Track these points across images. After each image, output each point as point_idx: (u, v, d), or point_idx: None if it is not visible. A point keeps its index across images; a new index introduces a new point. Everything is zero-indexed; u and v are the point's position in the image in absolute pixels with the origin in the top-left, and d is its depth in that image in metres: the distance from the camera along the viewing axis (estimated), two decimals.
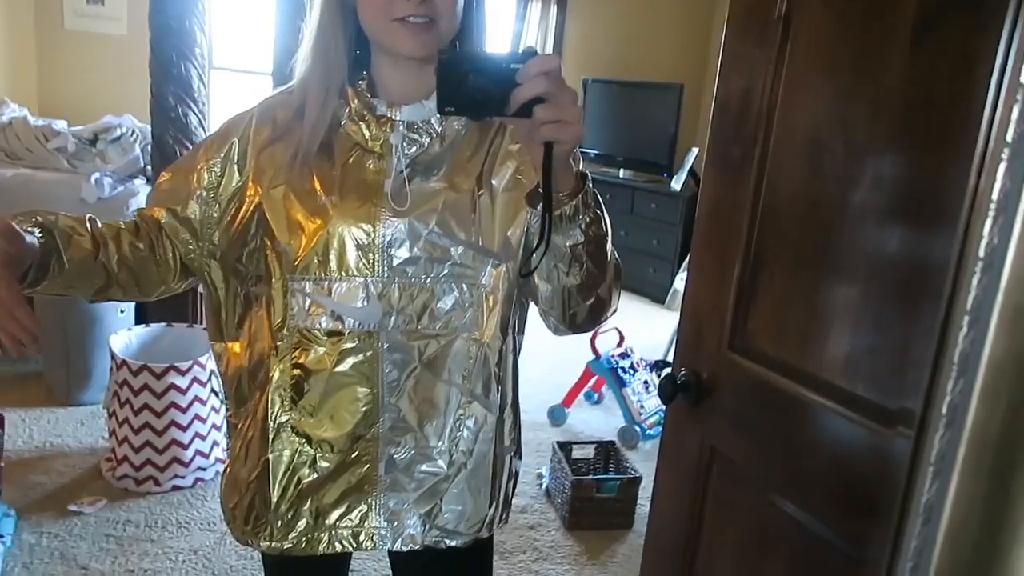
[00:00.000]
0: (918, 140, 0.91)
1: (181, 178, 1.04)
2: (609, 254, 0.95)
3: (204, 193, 1.03)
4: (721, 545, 1.23)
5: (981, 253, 0.44)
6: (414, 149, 0.99)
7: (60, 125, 3.85)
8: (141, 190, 3.38)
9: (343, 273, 0.97)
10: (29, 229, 0.89)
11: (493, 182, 0.99)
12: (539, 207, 0.84)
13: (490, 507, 1.07)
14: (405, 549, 1.05)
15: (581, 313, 0.99)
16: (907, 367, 0.90)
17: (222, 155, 1.02)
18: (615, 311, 1.04)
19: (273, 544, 1.04)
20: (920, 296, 0.88)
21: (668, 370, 1.30)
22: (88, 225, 0.97)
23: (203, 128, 3.28)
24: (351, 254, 0.96)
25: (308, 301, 0.98)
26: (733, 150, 1.18)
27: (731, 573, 1.20)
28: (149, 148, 3.44)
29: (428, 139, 0.99)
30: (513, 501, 1.14)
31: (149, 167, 3.44)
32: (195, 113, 3.21)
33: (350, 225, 0.96)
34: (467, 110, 0.83)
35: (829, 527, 1.02)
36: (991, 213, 0.43)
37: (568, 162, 0.84)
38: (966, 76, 0.83)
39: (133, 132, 3.77)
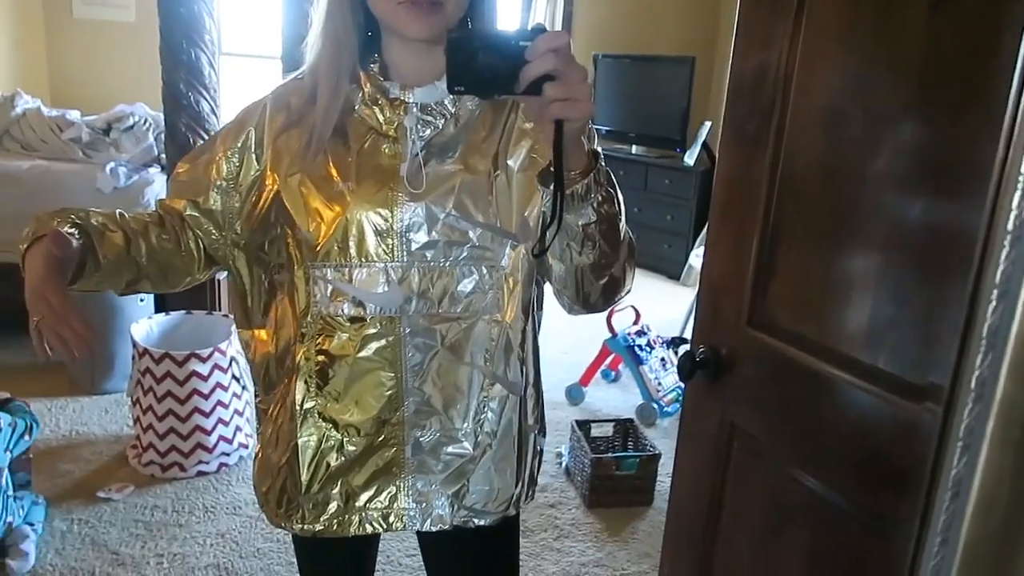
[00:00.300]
0: (940, 107, 0.89)
1: (200, 169, 1.05)
2: (622, 233, 0.95)
3: (224, 184, 1.03)
4: (742, 520, 1.23)
5: (1010, 226, 0.43)
6: (428, 131, 0.98)
7: (73, 115, 3.86)
8: (156, 179, 3.39)
9: (363, 259, 0.97)
10: (69, 231, 0.91)
11: (509, 162, 0.98)
12: (551, 186, 0.84)
13: (516, 485, 1.08)
14: (434, 530, 1.06)
15: (595, 293, 0.99)
16: (931, 340, 0.89)
17: (239, 144, 1.03)
18: (629, 290, 1.03)
19: (305, 527, 1.05)
20: (944, 267, 0.87)
21: (686, 347, 1.30)
22: (119, 220, 0.99)
23: (215, 115, 3.29)
24: (370, 240, 0.96)
25: (330, 288, 0.98)
26: (749, 123, 1.16)
27: (752, 548, 1.21)
28: (162, 136, 3.45)
29: (442, 120, 0.99)
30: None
31: (163, 155, 3.45)
32: (207, 100, 3.21)
33: (368, 211, 0.96)
34: (476, 89, 0.82)
35: (852, 501, 1.02)
36: (1019, 186, 0.42)
37: (579, 140, 0.84)
38: (989, 42, 0.81)
39: (146, 120, 3.78)
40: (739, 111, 1.19)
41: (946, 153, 0.88)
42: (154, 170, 3.47)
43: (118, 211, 1.01)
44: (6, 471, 2.11)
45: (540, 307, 1.13)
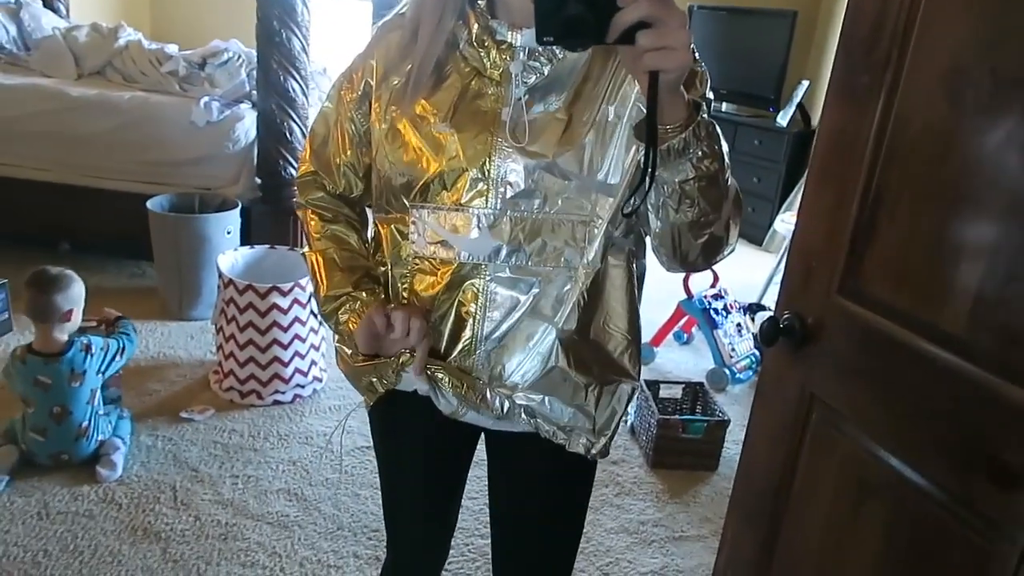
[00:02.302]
0: None
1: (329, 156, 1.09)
2: (726, 191, 0.90)
3: (358, 140, 1.06)
4: (815, 494, 1.19)
5: None
6: (534, 78, 0.95)
7: (171, 49, 3.97)
8: (247, 115, 3.46)
9: (457, 203, 0.96)
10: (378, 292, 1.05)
11: (613, 111, 0.94)
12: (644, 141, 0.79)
13: (591, 430, 1.04)
14: (504, 429, 1.05)
15: (694, 251, 0.95)
16: None
17: (359, 95, 1.03)
18: (733, 250, 0.99)
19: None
20: None
21: (765, 314, 1.25)
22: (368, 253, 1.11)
23: (306, 53, 3.32)
24: (465, 185, 0.95)
25: (427, 229, 0.98)
26: (861, 77, 1.09)
27: (824, 521, 1.17)
28: (254, 73, 3.51)
29: (548, 67, 0.94)
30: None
31: (254, 91, 3.51)
32: (298, 38, 3.24)
33: (465, 155, 0.94)
34: (566, 38, 0.77)
35: (939, 486, 0.97)
36: None
37: (677, 91, 0.79)
38: None
39: (239, 57, 3.85)
40: (850, 63, 1.11)
41: None
42: (245, 106, 3.54)
43: (365, 250, 1.11)
44: (99, 391, 2.24)
45: (642, 256, 1.08)
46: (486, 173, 0.94)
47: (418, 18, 0.97)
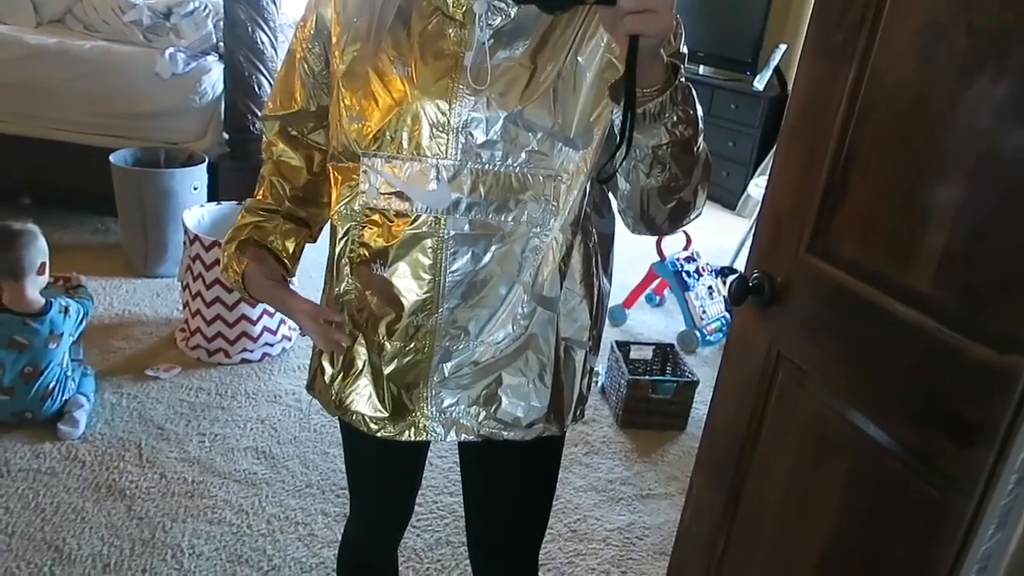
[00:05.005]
0: None
1: (289, 91, 1.07)
2: (698, 157, 0.88)
3: (314, 81, 1.03)
4: (780, 450, 1.21)
5: None
6: (499, 20, 0.90)
7: None
8: (214, 67, 3.37)
9: (415, 152, 0.92)
10: (263, 253, 1.07)
11: (580, 60, 0.90)
12: (621, 103, 0.77)
13: (555, 402, 1.03)
14: (460, 439, 1.04)
15: (660, 215, 0.94)
16: (1011, 284, 0.83)
17: (314, 33, 1.00)
18: (699, 214, 0.98)
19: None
20: None
21: (738, 274, 1.25)
22: (278, 215, 1.10)
23: (275, 4, 3.22)
24: (424, 133, 0.91)
25: (379, 179, 0.94)
26: (836, 35, 1.07)
27: (787, 478, 1.19)
28: (221, 24, 3.41)
29: (515, 8, 0.90)
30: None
31: (221, 43, 3.41)
32: None
33: (425, 102, 0.90)
34: (546, 1, 0.75)
35: (900, 442, 0.98)
36: None
37: (657, 55, 0.77)
38: None
39: (206, 7, 3.74)
40: (826, 21, 1.10)
41: None
42: (212, 58, 3.44)
43: (258, 201, 1.12)
44: (67, 352, 2.20)
45: (607, 213, 1.06)
46: (446, 121, 0.90)
47: None
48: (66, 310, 2.13)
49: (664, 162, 0.85)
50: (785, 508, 1.20)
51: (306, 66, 1.02)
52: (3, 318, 2.08)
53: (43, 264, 2.12)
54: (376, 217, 0.95)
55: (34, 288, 2.12)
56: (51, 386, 2.14)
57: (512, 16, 0.90)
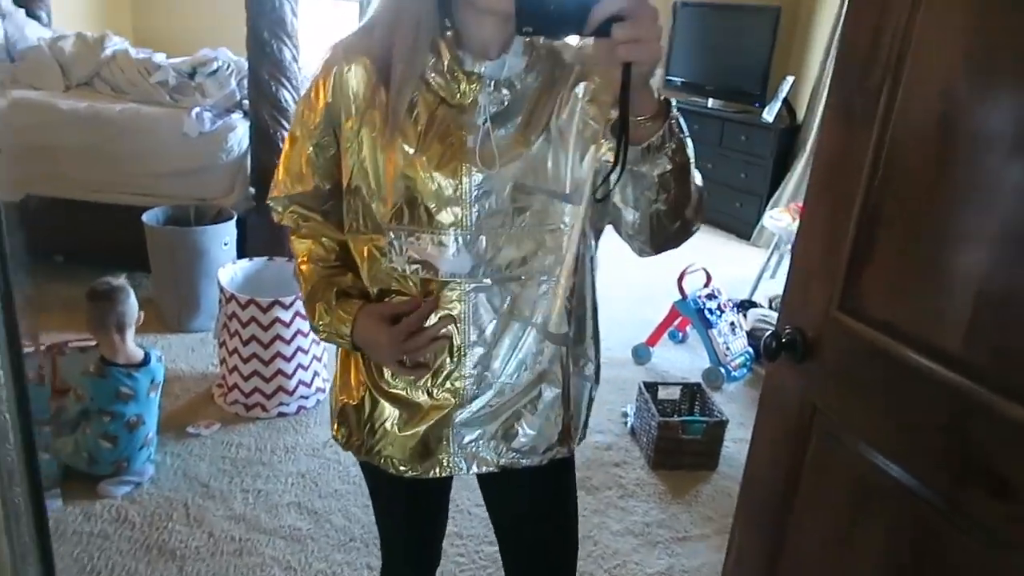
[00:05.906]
0: None
1: (302, 170, 1.11)
2: (693, 176, 0.99)
3: (325, 163, 1.09)
4: (819, 500, 1.24)
5: None
6: (495, 108, 1.01)
7: (159, 58, 3.95)
8: (239, 124, 3.47)
9: (433, 227, 1.01)
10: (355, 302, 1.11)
11: (561, 126, 1.01)
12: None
13: (565, 430, 1.15)
14: (482, 471, 1.13)
15: (668, 236, 1.04)
16: None
17: (321, 121, 1.05)
18: (698, 229, 1.07)
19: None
20: None
21: (758, 313, 1.30)
22: (346, 268, 1.15)
23: (296, 63, 3.33)
24: (439, 208, 1.01)
25: (405, 249, 1.03)
26: (855, 100, 1.12)
27: (827, 529, 1.22)
28: (245, 82, 3.51)
29: (509, 95, 1.01)
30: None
31: (245, 101, 3.51)
32: (289, 48, 3.26)
33: (437, 180, 1.00)
34: (545, 29, 0.83)
35: (939, 495, 1.01)
36: None
37: (647, 84, 0.85)
38: None
39: (229, 65, 3.85)
40: (846, 85, 1.15)
41: None
42: (236, 115, 3.54)
43: (328, 267, 1.15)
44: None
45: (595, 249, 1.16)
46: (459, 197, 1.00)
47: (388, 51, 0.98)
48: (160, 360, 2.24)
49: (668, 187, 0.95)
50: (826, 559, 1.22)
51: (315, 148, 1.08)
52: (111, 371, 2.16)
53: (140, 315, 2.23)
54: (404, 282, 1.06)
55: (133, 340, 2.22)
56: (149, 435, 2.22)
57: (506, 104, 1.01)
